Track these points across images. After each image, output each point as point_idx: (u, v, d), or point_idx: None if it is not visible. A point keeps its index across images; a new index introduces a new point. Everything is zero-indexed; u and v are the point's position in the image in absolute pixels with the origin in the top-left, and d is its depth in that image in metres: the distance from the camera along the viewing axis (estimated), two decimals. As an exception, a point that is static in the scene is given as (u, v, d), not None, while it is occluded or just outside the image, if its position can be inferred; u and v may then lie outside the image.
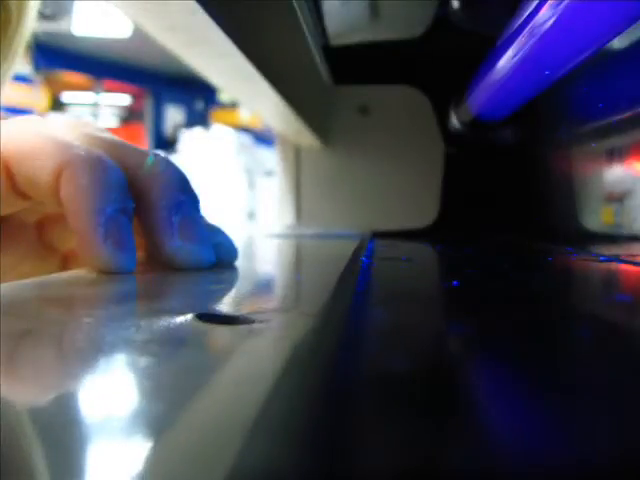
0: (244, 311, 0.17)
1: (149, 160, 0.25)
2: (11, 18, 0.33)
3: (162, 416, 0.09)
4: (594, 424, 0.09)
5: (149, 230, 0.25)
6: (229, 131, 4.15)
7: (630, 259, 0.37)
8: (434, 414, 0.09)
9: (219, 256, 0.26)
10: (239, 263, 0.27)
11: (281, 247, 0.49)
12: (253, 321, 0.15)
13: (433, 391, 0.11)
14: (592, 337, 0.15)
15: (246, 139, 4.12)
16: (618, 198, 0.43)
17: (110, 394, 0.10)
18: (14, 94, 4.28)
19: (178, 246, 0.24)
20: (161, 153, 0.27)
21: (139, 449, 0.08)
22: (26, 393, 0.11)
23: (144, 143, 4.56)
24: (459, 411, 0.10)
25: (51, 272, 0.28)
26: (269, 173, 3.50)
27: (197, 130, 4.22)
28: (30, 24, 0.34)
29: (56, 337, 0.14)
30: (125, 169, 0.24)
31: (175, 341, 0.13)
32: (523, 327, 0.16)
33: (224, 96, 4.60)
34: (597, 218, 0.48)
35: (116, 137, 0.27)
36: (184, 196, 0.25)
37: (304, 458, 0.08)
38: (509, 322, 0.17)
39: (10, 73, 0.36)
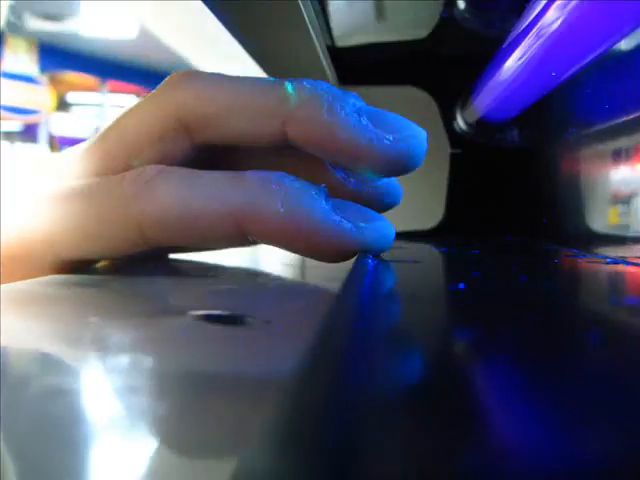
0: (248, 312, 0.17)
1: None
2: None
3: (164, 417, 0.09)
4: (604, 428, 0.09)
5: None
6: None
7: (638, 261, 0.37)
8: (444, 420, 0.09)
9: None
10: (242, 264, 0.27)
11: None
12: (256, 322, 0.15)
13: (442, 397, 0.10)
14: (602, 340, 0.15)
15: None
16: (625, 199, 0.43)
17: (111, 393, 0.10)
18: (20, 94, 4.29)
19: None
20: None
21: (142, 449, 0.08)
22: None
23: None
24: (469, 417, 0.09)
25: None
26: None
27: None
28: None
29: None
30: None
31: (178, 341, 0.13)
32: (534, 330, 0.16)
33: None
34: (604, 219, 0.47)
35: None
36: None
37: (312, 461, 0.08)
38: (519, 325, 0.16)
39: None
